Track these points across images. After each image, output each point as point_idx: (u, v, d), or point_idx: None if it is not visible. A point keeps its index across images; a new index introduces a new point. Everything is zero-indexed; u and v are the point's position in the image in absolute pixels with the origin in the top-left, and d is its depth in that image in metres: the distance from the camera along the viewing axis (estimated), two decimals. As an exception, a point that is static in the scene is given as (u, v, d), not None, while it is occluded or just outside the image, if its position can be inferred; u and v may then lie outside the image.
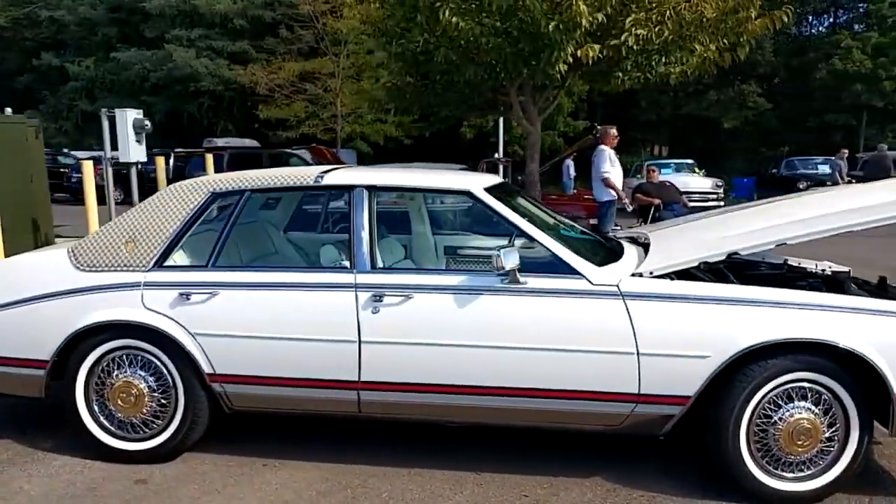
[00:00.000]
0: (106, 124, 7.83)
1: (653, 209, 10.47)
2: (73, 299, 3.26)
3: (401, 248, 4.03)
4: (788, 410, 2.85)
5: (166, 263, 3.27)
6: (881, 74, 26.47)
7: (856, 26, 30.76)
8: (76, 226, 12.37)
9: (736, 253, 3.02)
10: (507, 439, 3.53)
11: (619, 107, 27.85)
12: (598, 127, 9.91)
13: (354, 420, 3.37)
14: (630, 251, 3.37)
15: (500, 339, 2.98)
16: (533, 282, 2.99)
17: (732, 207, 4.21)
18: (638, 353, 2.88)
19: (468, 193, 3.26)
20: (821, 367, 2.82)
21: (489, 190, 3.29)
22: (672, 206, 10.57)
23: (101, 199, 8.46)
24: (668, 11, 7.03)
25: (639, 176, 18.12)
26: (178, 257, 3.32)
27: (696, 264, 3.07)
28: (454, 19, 6.68)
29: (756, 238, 3.02)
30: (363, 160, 24.45)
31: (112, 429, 3.31)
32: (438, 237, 4.41)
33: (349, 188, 3.27)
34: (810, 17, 33.37)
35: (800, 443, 2.85)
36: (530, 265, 3.02)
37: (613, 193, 8.54)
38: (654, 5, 7.05)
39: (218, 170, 18.13)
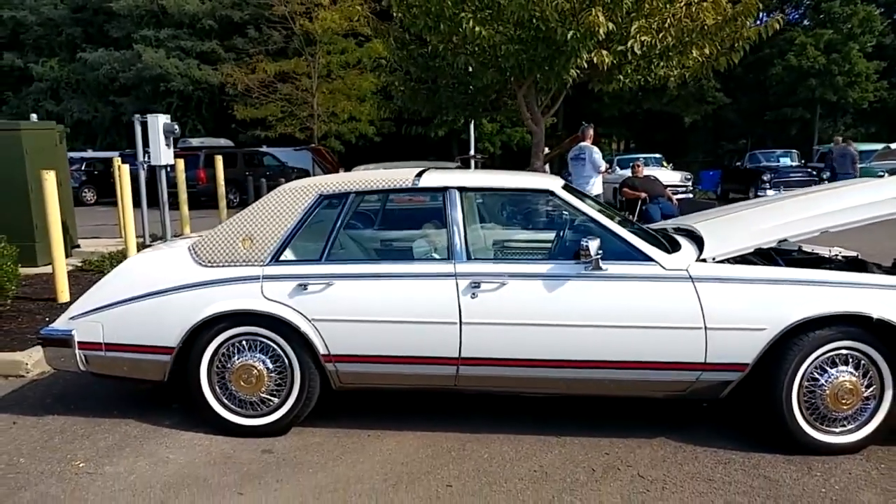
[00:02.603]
0: (139, 129, 8.07)
1: (639, 203, 11.08)
2: (196, 292, 3.64)
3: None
4: (833, 374, 3.36)
5: (282, 258, 3.67)
6: (834, 70, 27.67)
7: (806, 22, 31.95)
8: (85, 227, 12.53)
9: (785, 240, 3.55)
10: (580, 408, 4.01)
11: (583, 103, 28.55)
12: (585, 124, 10.46)
13: (446, 394, 3.82)
14: (684, 241, 3.86)
15: (584, 318, 3.45)
16: (612, 268, 3.46)
17: (767, 199, 4.75)
18: (705, 328, 3.36)
19: (550, 192, 3.73)
20: (859, 336, 3.32)
21: (564, 188, 3.76)
22: (657, 199, 11.20)
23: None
24: (669, 19, 7.59)
25: (608, 171, 18.84)
26: (293, 252, 3.71)
27: (751, 250, 3.59)
28: (477, 28, 7.12)
29: (803, 226, 3.55)
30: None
31: (233, 407, 3.70)
32: (486, 231, 4.87)
33: (444, 189, 3.71)
34: (763, 15, 34.62)
35: (843, 401, 3.36)
36: (606, 254, 3.48)
37: (601, 188, 9.14)
38: (657, 13, 7.58)
39: (194, 168, 18.34)
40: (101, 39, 30.91)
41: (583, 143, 9.05)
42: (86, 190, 22.75)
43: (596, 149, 9.09)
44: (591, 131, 9.31)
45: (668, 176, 19.29)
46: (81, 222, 11.45)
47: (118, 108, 30.33)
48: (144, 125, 8.24)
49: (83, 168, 23.03)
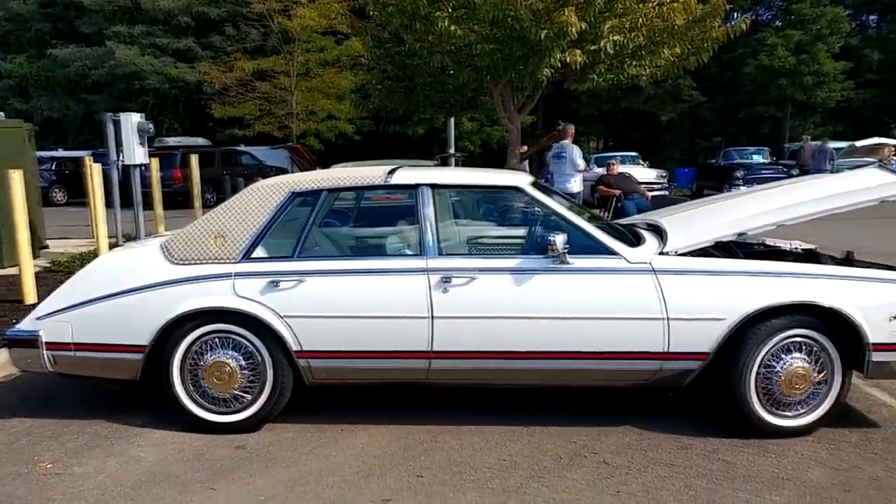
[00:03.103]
0: (111, 128, 8.04)
1: (614, 200, 11.23)
2: (168, 290, 3.68)
3: None
4: (787, 361, 3.49)
5: (254, 255, 3.72)
6: (803, 70, 28.17)
7: (777, 23, 32.44)
8: (55, 228, 12.42)
9: (744, 233, 3.68)
10: (548, 399, 4.11)
11: (561, 102, 28.78)
12: (562, 123, 10.59)
13: (418, 387, 3.90)
14: (648, 235, 3.97)
15: (551, 311, 3.54)
16: (578, 262, 3.57)
17: (730, 195, 4.89)
18: (667, 319, 3.48)
19: (518, 189, 3.83)
20: (811, 324, 3.47)
21: (532, 185, 3.86)
22: (631, 195, 11.36)
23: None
24: (640, 19, 7.72)
25: (586, 169, 19.05)
26: (265, 250, 3.77)
27: (711, 243, 3.71)
28: (452, 27, 7.21)
29: (759, 220, 3.68)
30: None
31: (206, 404, 3.75)
32: (458, 228, 4.96)
33: (415, 186, 3.79)
34: (735, 14, 35.14)
35: (796, 386, 3.50)
36: (573, 248, 3.58)
37: (578, 187, 9.29)
38: (628, 13, 7.72)
39: (170, 168, 18.23)
40: (72, 35, 30.43)
41: (564, 142, 9.20)
42: (56, 190, 22.45)
43: (577, 147, 9.24)
44: (571, 129, 9.48)
45: (644, 173, 19.53)
46: (51, 223, 11.37)
47: (90, 106, 29.91)
48: (117, 124, 8.20)
49: (53, 167, 22.74)
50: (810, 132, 28.50)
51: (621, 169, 12.89)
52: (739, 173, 18.68)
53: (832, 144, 18.83)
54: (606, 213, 10.23)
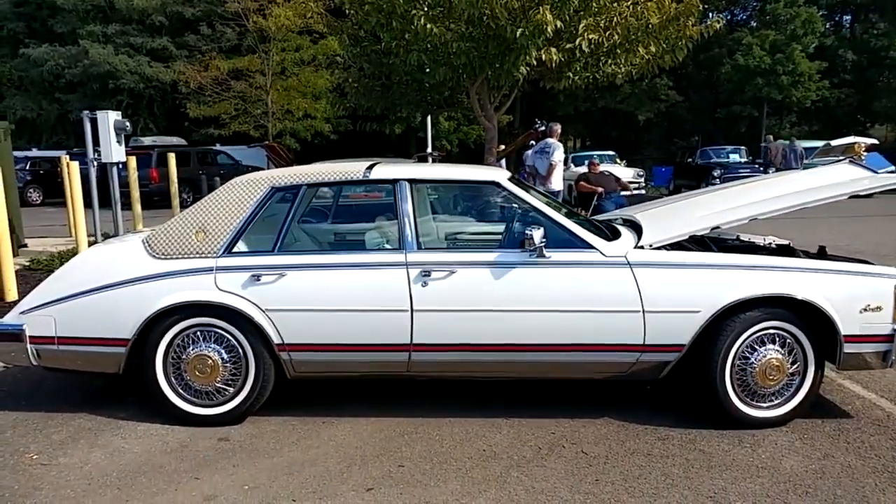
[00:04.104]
0: (88, 125, 7.99)
1: (595, 197, 11.32)
2: (151, 284, 3.69)
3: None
4: (762, 352, 3.57)
5: (235, 250, 3.74)
6: (779, 69, 28.61)
7: (753, 23, 32.90)
8: (32, 228, 12.29)
9: (718, 227, 3.76)
10: (526, 390, 4.17)
11: (538, 101, 28.95)
12: (539, 121, 10.69)
13: (399, 380, 3.94)
14: (624, 229, 4.04)
15: (529, 304, 3.60)
16: (555, 256, 3.62)
17: (705, 190, 4.98)
18: (643, 311, 3.54)
19: (496, 184, 3.88)
20: (785, 317, 3.55)
21: (510, 180, 3.92)
22: (611, 195, 11.48)
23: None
24: (615, 17, 7.82)
25: (565, 168, 19.23)
26: (246, 244, 3.79)
27: (686, 237, 3.79)
28: (428, 25, 7.25)
29: (734, 214, 3.76)
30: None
31: (189, 397, 3.76)
32: (437, 223, 5.00)
33: (394, 181, 3.82)
34: (711, 14, 35.60)
35: (771, 378, 3.58)
36: (550, 242, 3.63)
37: (562, 184, 9.39)
38: (603, 12, 7.81)
39: (147, 168, 18.09)
40: (45, 35, 30.09)
41: (549, 139, 9.33)
42: (31, 190, 22.16)
43: (560, 146, 9.38)
44: (557, 128, 9.63)
45: (622, 172, 19.69)
46: (28, 223, 11.26)
47: (64, 105, 29.61)
48: (94, 122, 8.15)
49: (28, 168, 22.43)
50: (786, 131, 29.03)
51: (601, 168, 13.02)
52: (717, 172, 18.96)
53: (804, 144, 19.21)
54: (585, 212, 10.32)
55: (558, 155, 9.20)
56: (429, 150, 18.58)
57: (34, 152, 24.47)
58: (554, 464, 3.27)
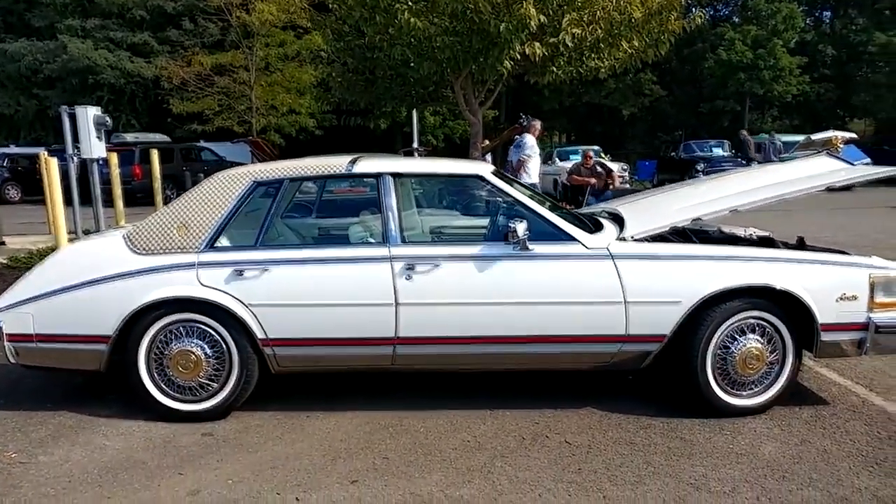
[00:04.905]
0: (67, 121, 7.91)
1: (588, 189, 11.34)
2: (132, 280, 3.67)
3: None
4: (742, 342, 3.62)
5: (217, 245, 3.73)
6: (760, 64, 28.84)
7: (735, 18, 33.12)
8: (11, 225, 12.14)
9: (699, 219, 3.79)
10: (511, 382, 4.19)
11: (523, 96, 29.02)
12: (524, 116, 10.70)
13: (384, 374, 3.95)
14: (606, 222, 4.07)
15: (513, 296, 3.62)
16: (539, 248, 3.64)
17: (687, 183, 5.03)
18: (625, 302, 3.58)
19: (479, 177, 3.90)
20: (764, 307, 3.59)
21: (494, 174, 3.93)
22: (601, 192, 11.51)
23: None
24: (598, 12, 7.84)
25: (549, 162, 19.36)
26: (228, 239, 3.77)
27: (667, 229, 3.82)
28: (412, 20, 7.24)
29: (715, 206, 3.80)
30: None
31: (172, 393, 3.75)
32: (421, 216, 5.01)
33: (377, 175, 3.82)
34: (693, 10, 35.73)
35: (751, 366, 3.63)
36: (533, 235, 3.65)
37: (535, 178, 9.45)
38: (587, 6, 7.83)
39: (129, 164, 17.94)
40: (23, 29, 29.66)
41: (525, 134, 9.37)
42: (9, 187, 21.90)
43: (531, 141, 9.39)
44: (537, 124, 9.64)
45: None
46: (7, 220, 11.16)
47: (43, 101, 29.22)
48: (73, 117, 8.07)
49: (6, 164, 22.17)
50: (768, 126, 29.29)
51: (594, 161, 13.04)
52: (700, 166, 19.10)
53: (784, 138, 19.43)
54: (571, 206, 10.36)
55: (528, 150, 9.21)
56: (415, 145, 18.55)
57: (12, 149, 24.17)
58: (537, 453, 3.30)
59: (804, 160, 4.26)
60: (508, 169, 10.34)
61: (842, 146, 3.96)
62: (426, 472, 3.13)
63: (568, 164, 18.34)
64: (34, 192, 19.21)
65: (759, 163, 17.31)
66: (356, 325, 3.64)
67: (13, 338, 3.74)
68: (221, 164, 19.83)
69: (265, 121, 24.77)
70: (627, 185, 19.72)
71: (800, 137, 20.29)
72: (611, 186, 11.40)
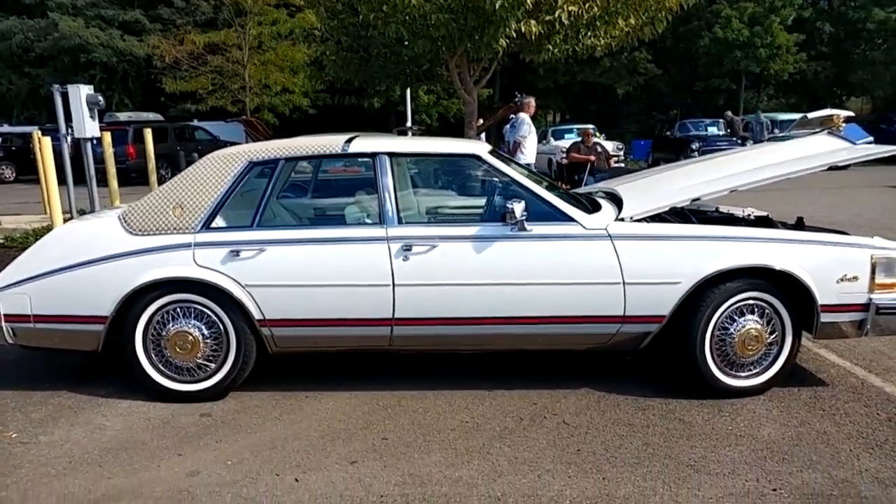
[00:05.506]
0: (59, 100, 7.82)
1: (588, 167, 11.28)
2: (128, 260, 3.64)
3: None
4: (741, 323, 3.61)
5: (213, 225, 3.69)
6: (757, 42, 28.59)
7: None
8: (5, 205, 12.06)
9: (698, 199, 3.77)
10: (509, 363, 4.19)
11: (518, 74, 28.80)
12: (519, 95, 10.62)
13: (382, 355, 3.94)
14: (604, 202, 4.05)
15: (511, 277, 3.60)
16: (536, 229, 3.62)
17: (685, 162, 5.00)
18: (624, 283, 3.56)
19: (476, 157, 3.86)
20: (764, 287, 3.58)
21: (491, 153, 3.90)
22: (598, 172, 11.48)
23: None
24: (595, -11, 7.77)
25: (543, 142, 19.27)
26: (224, 220, 3.74)
27: (666, 209, 3.80)
28: (406, -3, 7.16)
29: (714, 186, 3.78)
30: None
31: (170, 373, 3.74)
32: (418, 197, 4.97)
33: (374, 154, 3.78)
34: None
35: (749, 348, 3.62)
36: (531, 215, 3.62)
37: (532, 158, 9.37)
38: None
39: (123, 144, 17.79)
40: (13, 7, 29.21)
41: (520, 114, 9.26)
42: (3, 167, 21.77)
43: (527, 120, 9.30)
44: (531, 102, 9.52)
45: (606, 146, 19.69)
46: (1, 200, 11.07)
47: (35, 80, 28.91)
48: (65, 96, 7.97)
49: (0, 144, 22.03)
50: (764, 105, 29.19)
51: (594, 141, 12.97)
52: (695, 145, 19.03)
53: (781, 116, 19.40)
54: (568, 185, 10.32)
55: (523, 129, 9.11)
56: (408, 124, 18.44)
57: (5, 128, 23.96)
58: (536, 434, 3.30)
59: (805, 139, 4.22)
60: (504, 149, 10.29)
61: (843, 125, 3.92)
62: (425, 453, 3.14)
63: (562, 144, 18.28)
64: (28, 171, 19.07)
65: (755, 141, 17.30)
66: (353, 306, 3.62)
67: (10, 318, 3.72)
68: (216, 144, 19.69)
69: (259, 100, 24.56)
70: (622, 165, 19.65)
71: (796, 116, 20.28)
72: (607, 169, 11.38)
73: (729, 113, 21.47)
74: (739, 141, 18.97)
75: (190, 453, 3.17)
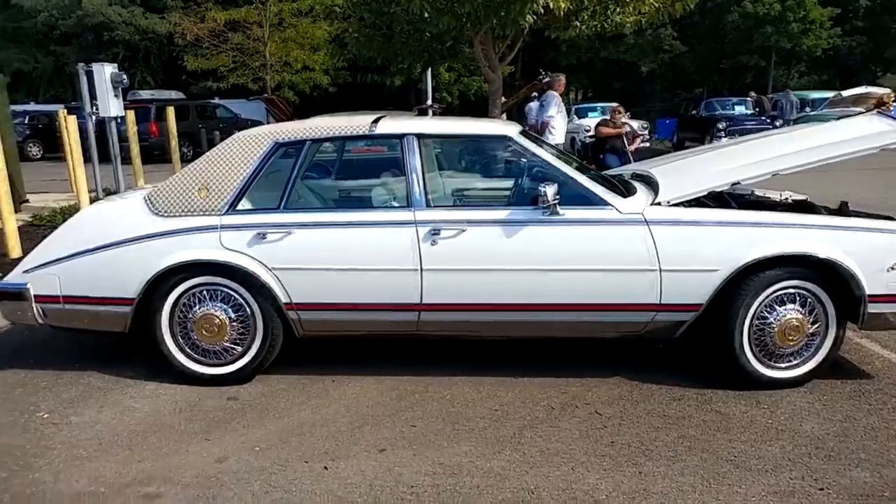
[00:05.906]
0: (84, 79, 7.80)
1: (608, 147, 11.03)
2: (154, 242, 3.60)
3: None
4: (781, 312, 3.47)
5: (239, 207, 3.63)
6: (789, 17, 27.87)
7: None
8: (33, 183, 12.17)
9: (738, 182, 3.63)
10: (535, 349, 4.11)
11: (540, 51, 28.43)
12: (543, 72, 10.41)
13: (408, 339, 3.88)
14: (639, 185, 3.92)
15: (542, 263, 3.50)
16: (569, 213, 3.51)
17: (721, 144, 4.85)
18: (660, 270, 3.44)
19: (507, 138, 3.75)
20: (805, 276, 3.44)
21: (521, 134, 3.79)
22: (619, 152, 11.25)
23: None
24: (625, -37, 7.55)
25: (567, 121, 19.00)
26: (250, 202, 3.68)
27: (705, 193, 3.67)
28: (432, -28, 7.01)
29: (756, 169, 3.63)
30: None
31: (197, 356, 3.71)
32: (445, 179, 4.88)
33: (401, 136, 3.68)
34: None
35: (790, 338, 3.49)
36: (563, 199, 3.51)
37: (561, 138, 9.18)
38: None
39: (145, 122, 17.81)
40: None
41: (550, 91, 9.07)
42: (31, 144, 21.95)
43: (556, 98, 9.10)
44: (561, 80, 9.29)
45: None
46: (29, 178, 11.13)
47: (60, 58, 29.15)
48: (90, 74, 7.95)
49: (26, 122, 22.17)
50: (794, 82, 28.53)
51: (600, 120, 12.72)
52: (722, 124, 18.57)
53: (813, 94, 18.96)
54: (592, 164, 10.14)
55: (552, 110, 8.92)
56: (429, 102, 18.26)
57: (32, 106, 24.16)
58: (567, 424, 3.22)
59: (849, 120, 4.05)
60: (527, 128, 10.13)
61: (894, 105, 3.74)
62: (454, 442, 3.07)
63: (586, 122, 17.99)
64: (54, 149, 19.21)
65: (784, 120, 16.92)
66: (380, 291, 3.55)
67: (41, 299, 3.71)
68: (237, 122, 19.69)
69: (279, 77, 24.51)
70: (647, 144, 19.34)
71: (829, 94, 19.77)
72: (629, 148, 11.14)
73: (752, 93, 21.02)
74: (768, 120, 18.55)
75: (218, 438, 3.14)
